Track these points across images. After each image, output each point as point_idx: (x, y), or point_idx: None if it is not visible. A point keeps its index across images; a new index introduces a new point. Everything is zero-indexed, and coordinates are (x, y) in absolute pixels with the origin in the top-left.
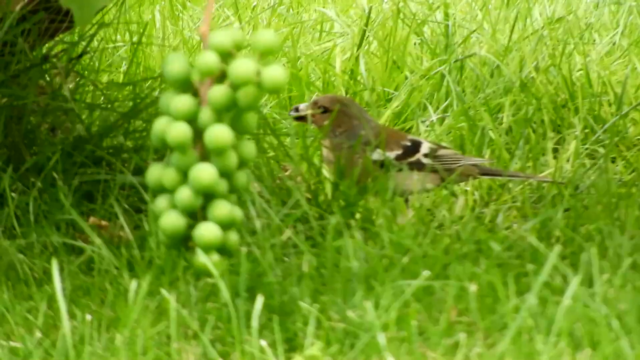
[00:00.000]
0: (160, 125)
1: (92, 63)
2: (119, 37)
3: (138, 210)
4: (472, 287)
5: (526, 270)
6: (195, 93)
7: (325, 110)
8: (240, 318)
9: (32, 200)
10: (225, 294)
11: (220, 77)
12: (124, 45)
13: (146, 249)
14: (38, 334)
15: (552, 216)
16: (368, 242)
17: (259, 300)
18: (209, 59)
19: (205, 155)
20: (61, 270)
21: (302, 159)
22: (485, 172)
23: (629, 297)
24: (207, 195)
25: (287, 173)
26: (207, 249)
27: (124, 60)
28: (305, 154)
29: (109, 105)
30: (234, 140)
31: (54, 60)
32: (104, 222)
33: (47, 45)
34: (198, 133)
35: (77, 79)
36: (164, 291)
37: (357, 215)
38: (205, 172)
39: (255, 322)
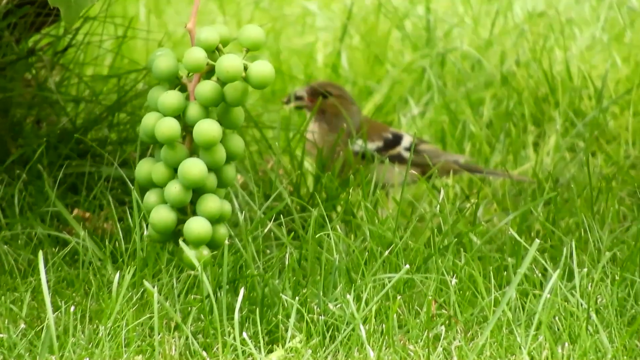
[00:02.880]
0: (149, 120)
1: (77, 56)
2: (104, 30)
3: (122, 203)
4: (453, 280)
5: (506, 264)
6: (182, 88)
7: (326, 96)
8: (222, 310)
9: (17, 192)
10: (207, 286)
11: (208, 72)
12: (109, 39)
13: (130, 241)
14: (22, 325)
15: (532, 210)
16: (349, 235)
17: (241, 293)
18: (197, 55)
19: (194, 150)
20: (45, 262)
21: (285, 152)
22: (465, 168)
23: (608, 290)
24: (197, 190)
25: (269, 165)
26: (197, 243)
27: (109, 54)
28: (288, 147)
29: (94, 98)
30: (222, 135)
31: (40, 53)
32: (88, 214)
33: (33, 38)
34: (186, 128)
35: (63, 72)
36: (147, 283)
37: (339, 208)
38: (194, 167)
39: (237, 315)
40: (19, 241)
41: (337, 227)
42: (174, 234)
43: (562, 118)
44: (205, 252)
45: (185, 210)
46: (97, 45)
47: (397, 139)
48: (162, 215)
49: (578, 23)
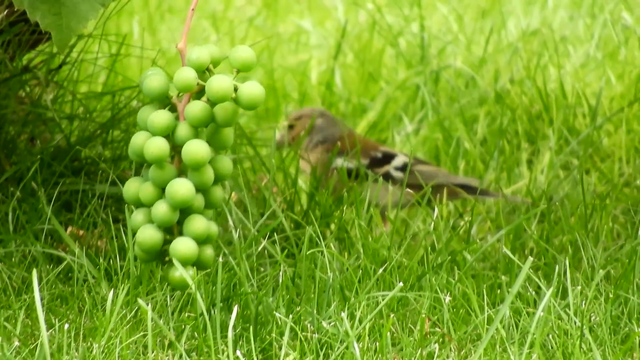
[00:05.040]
0: (138, 139)
1: (71, 74)
2: (97, 47)
3: (116, 220)
4: (446, 298)
5: (500, 282)
6: (172, 108)
7: (291, 126)
8: (216, 328)
9: (11, 210)
10: (201, 304)
11: (198, 92)
12: (103, 57)
13: (124, 258)
14: (16, 343)
15: (525, 227)
16: (343, 253)
17: (235, 311)
18: (187, 75)
19: (183, 170)
20: (40, 279)
21: (279, 170)
22: (479, 193)
23: (602, 308)
24: (184, 210)
25: (263, 183)
26: (184, 263)
27: (103, 71)
28: (282, 164)
29: (88, 116)
30: (210, 156)
31: (35, 70)
32: (82, 232)
33: (27, 56)
34: (175, 148)
35: (57, 90)
36: (141, 301)
37: (333, 226)
38: (182, 187)
39: (230, 332)
40: (13, 259)
41: (331, 245)
42: (160, 253)
43: (556, 136)
44: (192, 272)
45: (172, 230)
46: (92, 63)
47: (387, 158)
48: (149, 235)
49: (572, 41)
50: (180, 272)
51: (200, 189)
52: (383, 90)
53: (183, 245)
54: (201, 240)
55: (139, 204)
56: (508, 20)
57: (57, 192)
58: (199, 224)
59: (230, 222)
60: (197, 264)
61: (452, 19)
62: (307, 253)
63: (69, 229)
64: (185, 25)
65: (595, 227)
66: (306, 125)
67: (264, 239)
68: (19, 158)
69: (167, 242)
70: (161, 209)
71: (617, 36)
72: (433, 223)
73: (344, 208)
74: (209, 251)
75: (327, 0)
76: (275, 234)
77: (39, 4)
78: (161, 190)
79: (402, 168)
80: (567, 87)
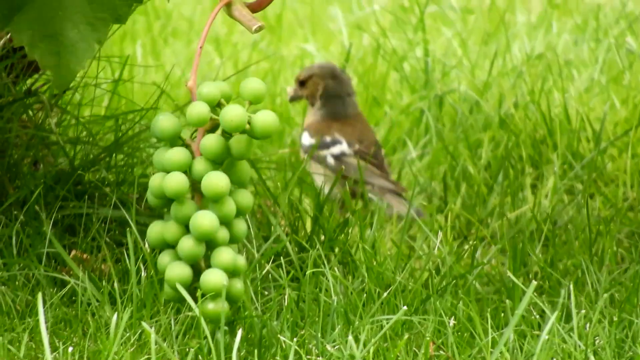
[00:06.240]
0: (156, 181)
1: (74, 98)
2: (99, 71)
3: (119, 244)
4: (451, 322)
5: (504, 305)
6: (186, 147)
7: (302, 82)
8: (220, 351)
9: (15, 234)
10: (205, 327)
11: (212, 127)
12: (106, 81)
13: (128, 282)
14: None
15: (530, 252)
16: (347, 276)
17: (239, 334)
18: (200, 109)
19: (204, 207)
20: (43, 302)
21: (283, 193)
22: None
23: (606, 332)
24: (209, 244)
25: (267, 206)
26: (215, 294)
27: (106, 95)
28: (286, 188)
29: (91, 139)
30: (230, 187)
31: (39, 92)
32: (85, 256)
33: (30, 80)
34: (194, 185)
35: (60, 114)
36: (144, 324)
37: (337, 249)
38: (205, 218)
39: (234, 356)
40: (17, 282)
41: (335, 268)
42: (189, 290)
43: (560, 160)
44: (225, 305)
45: (199, 266)
46: (95, 85)
47: (333, 143)
48: (177, 272)
49: (576, 65)
50: (213, 305)
51: (223, 221)
52: (387, 114)
53: (213, 276)
54: (229, 272)
55: (163, 246)
56: (512, 44)
57: (61, 215)
58: (225, 255)
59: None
60: (228, 298)
61: (457, 44)
62: (311, 276)
63: (73, 252)
64: (194, 63)
65: (600, 251)
66: (319, 88)
67: (268, 262)
68: (23, 182)
69: (195, 280)
70: (187, 243)
71: (622, 61)
72: (437, 247)
73: (349, 232)
74: (238, 285)
75: (331, 24)
76: (281, 257)
77: (38, 42)
78: (185, 228)
79: (338, 156)
80: (571, 111)
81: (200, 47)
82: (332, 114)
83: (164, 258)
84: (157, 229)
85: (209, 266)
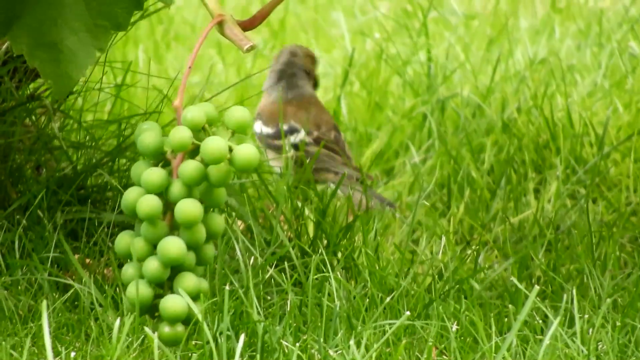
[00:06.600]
0: (131, 195)
1: (77, 102)
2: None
3: None
4: (454, 327)
5: (507, 310)
6: (167, 163)
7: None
8: (222, 356)
9: (17, 238)
10: (207, 332)
11: (193, 151)
12: (109, 85)
13: None
14: None
15: (532, 256)
16: (350, 281)
17: (241, 339)
18: (182, 134)
19: (175, 226)
20: (46, 307)
21: (286, 198)
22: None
23: (609, 337)
24: (175, 267)
25: (270, 211)
26: (173, 320)
27: (110, 98)
28: (288, 193)
29: (94, 144)
30: (203, 214)
31: (43, 96)
32: (88, 260)
33: (32, 84)
34: (168, 205)
35: (62, 119)
36: (147, 329)
37: (339, 254)
38: (173, 246)
39: None
40: (19, 287)
41: (338, 273)
42: (150, 307)
43: (563, 165)
44: (181, 328)
45: (162, 286)
46: (97, 89)
47: (291, 131)
48: (139, 291)
49: (579, 69)
50: (169, 329)
51: (192, 246)
52: (389, 119)
53: (173, 303)
54: (192, 297)
55: (130, 257)
56: (515, 49)
57: (64, 220)
58: (189, 281)
59: (238, 251)
60: (187, 320)
61: (459, 48)
62: (314, 281)
63: (76, 256)
64: (182, 82)
65: (603, 255)
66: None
67: (271, 267)
68: (25, 186)
69: (157, 296)
70: (152, 265)
71: (625, 65)
72: (441, 251)
73: (353, 237)
74: (197, 308)
75: (334, 29)
76: (284, 262)
77: (37, 50)
78: (152, 246)
79: (296, 145)
80: (574, 116)
81: (190, 68)
82: (285, 96)
83: (129, 270)
84: (125, 240)
85: (171, 288)
